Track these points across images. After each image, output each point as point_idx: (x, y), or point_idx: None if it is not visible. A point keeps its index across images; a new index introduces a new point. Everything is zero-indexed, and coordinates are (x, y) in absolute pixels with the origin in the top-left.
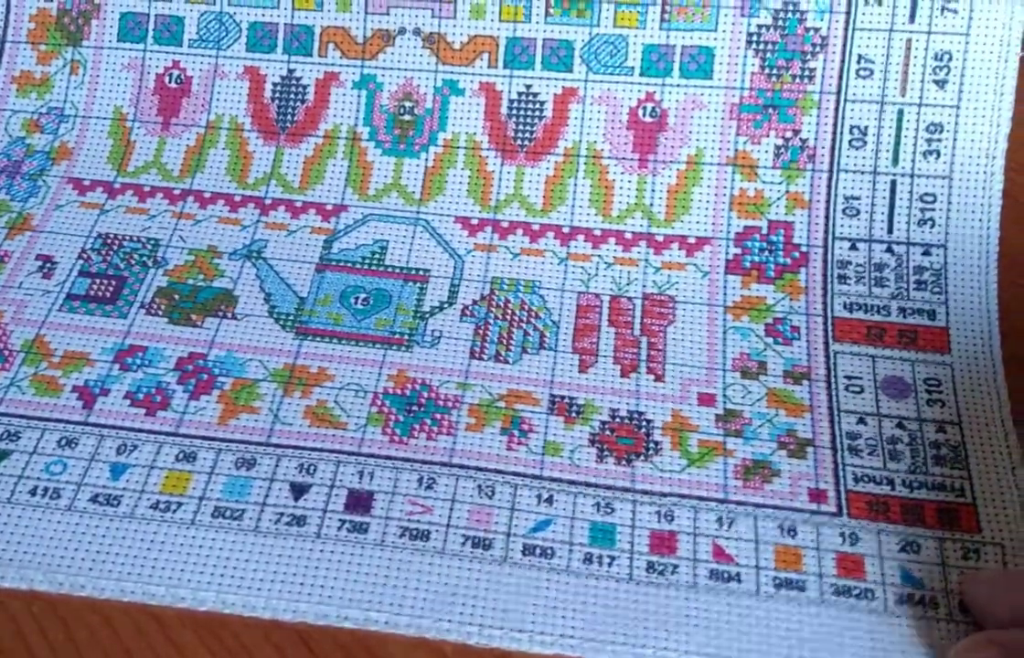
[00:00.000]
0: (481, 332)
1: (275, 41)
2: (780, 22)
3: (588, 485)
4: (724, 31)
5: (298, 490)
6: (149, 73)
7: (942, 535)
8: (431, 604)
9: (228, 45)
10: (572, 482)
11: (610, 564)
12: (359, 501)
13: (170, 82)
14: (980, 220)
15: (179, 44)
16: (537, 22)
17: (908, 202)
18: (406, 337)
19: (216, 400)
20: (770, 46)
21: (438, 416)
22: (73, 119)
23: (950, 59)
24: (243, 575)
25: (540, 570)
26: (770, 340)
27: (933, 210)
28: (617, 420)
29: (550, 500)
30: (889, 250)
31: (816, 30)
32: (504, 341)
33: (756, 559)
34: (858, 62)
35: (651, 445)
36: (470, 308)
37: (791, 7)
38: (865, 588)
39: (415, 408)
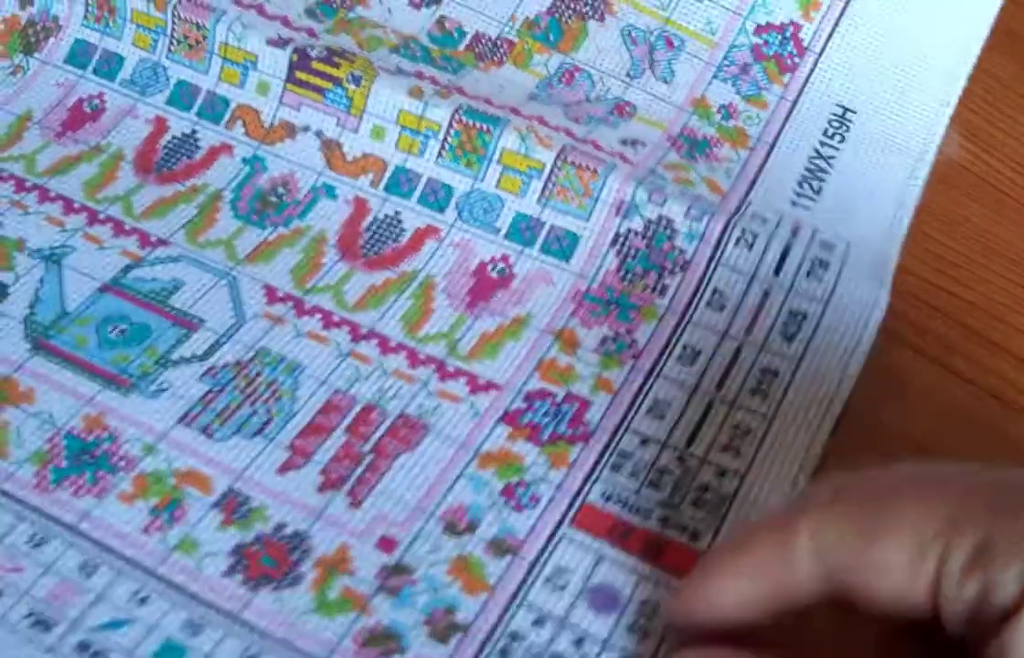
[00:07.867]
0: (208, 399)
1: (193, 102)
2: (650, 233)
3: (192, 597)
4: (595, 224)
5: None
6: (73, 94)
7: None
8: None
9: (152, 94)
10: (180, 588)
11: None
12: None
13: (87, 108)
14: (792, 461)
15: (112, 80)
16: (428, 160)
17: (718, 427)
18: (132, 381)
19: None
20: (633, 252)
21: (101, 474)
22: None
23: (803, 319)
24: None
25: None
26: (502, 501)
27: (743, 442)
28: (277, 536)
29: (145, 600)
30: (680, 460)
31: (682, 251)
32: (225, 415)
33: None
34: (712, 293)
35: (292, 576)
36: (217, 371)
37: (664, 223)
38: None
39: (85, 457)
